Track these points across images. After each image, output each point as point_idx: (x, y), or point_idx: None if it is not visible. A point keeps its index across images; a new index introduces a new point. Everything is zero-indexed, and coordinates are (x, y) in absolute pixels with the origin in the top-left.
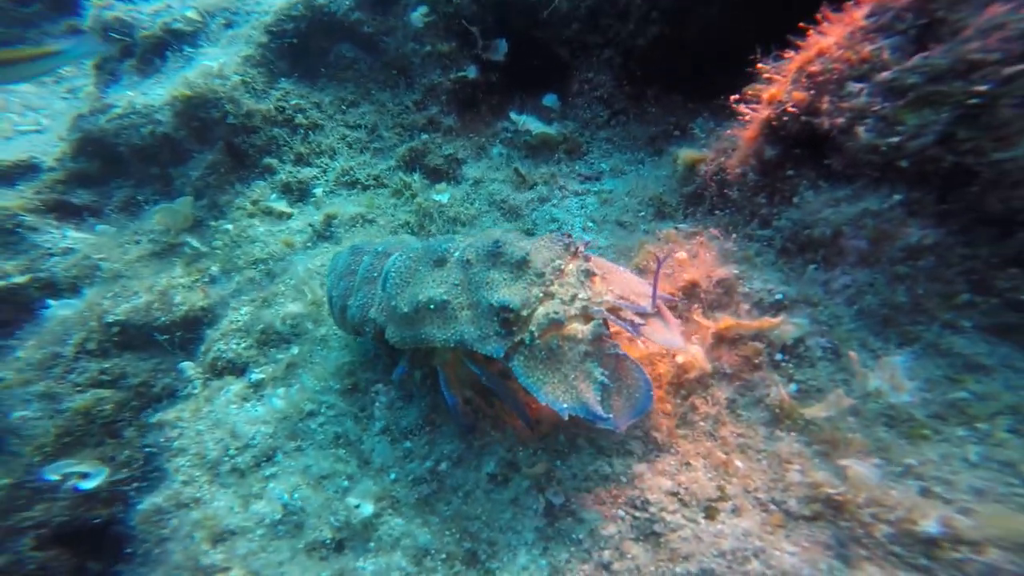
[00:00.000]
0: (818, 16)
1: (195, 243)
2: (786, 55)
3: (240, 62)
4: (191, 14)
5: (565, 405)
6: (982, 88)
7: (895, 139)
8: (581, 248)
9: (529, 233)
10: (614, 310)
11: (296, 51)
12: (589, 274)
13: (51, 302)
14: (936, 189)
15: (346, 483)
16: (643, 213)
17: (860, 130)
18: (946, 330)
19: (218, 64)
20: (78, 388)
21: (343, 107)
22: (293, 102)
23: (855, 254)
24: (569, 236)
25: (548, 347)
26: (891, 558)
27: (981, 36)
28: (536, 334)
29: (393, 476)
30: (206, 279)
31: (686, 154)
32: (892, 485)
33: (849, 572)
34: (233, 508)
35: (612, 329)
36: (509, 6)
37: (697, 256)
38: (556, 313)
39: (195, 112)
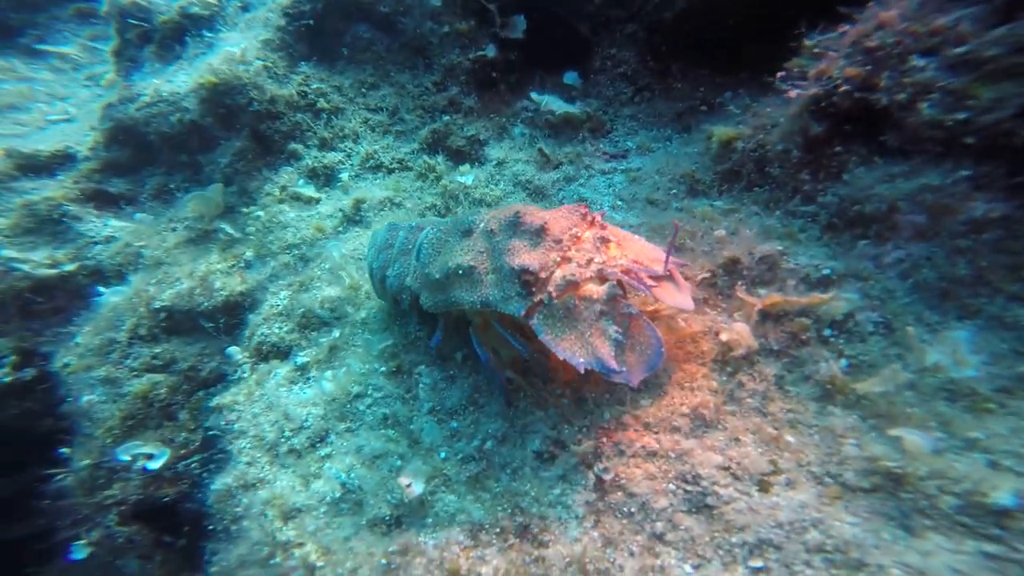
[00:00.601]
0: None
1: (229, 229)
2: (838, 28)
3: (260, 46)
4: None
5: (581, 360)
6: None
7: (964, 114)
8: (597, 217)
9: None
10: (627, 272)
11: (313, 33)
12: (604, 240)
13: (102, 289)
14: (1007, 163)
15: (399, 462)
16: (674, 191)
17: (923, 106)
18: (1012, 302)
19: (240, 50)
20: (134, 373)
21: (363, 90)
22: (314, 86)
23: (911, 228)
24: (586, 206)
25: (565, 306)
26: (958, 528)
27: None
28: (554, 294)
29: (443, 455)
30: (241, 264)
31: (722, 131)
32: (956, 458)
33: (913, 541)
34: (295, 487)
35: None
36: None
37: (737, 233)
38: (572, 275)
39: (221, 99)
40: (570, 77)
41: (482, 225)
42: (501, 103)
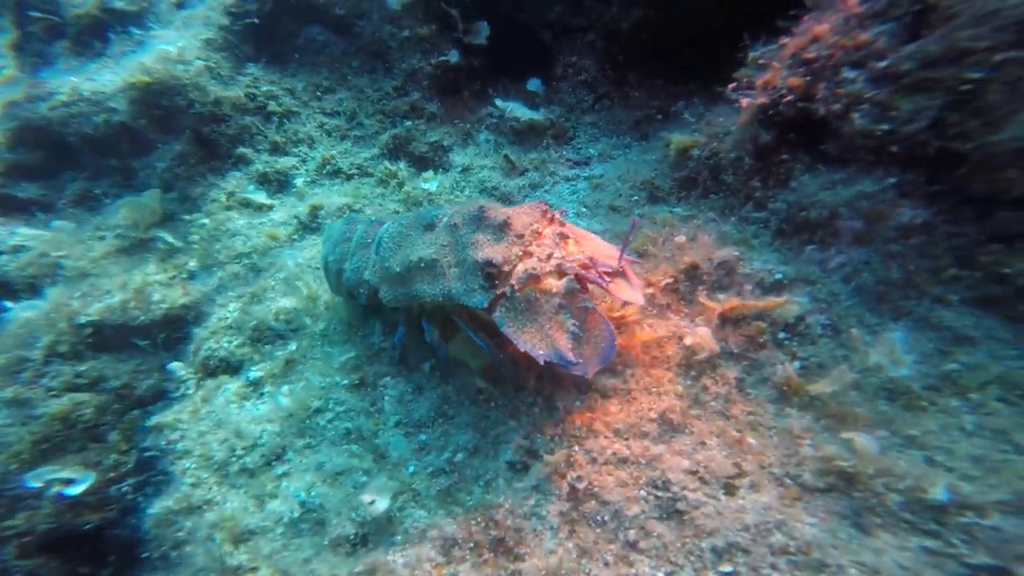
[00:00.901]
0: (806, 1)
1: (169, 238)
2: (780, 41)
3: (201, 46)
4: None
5: (541, 352)
6: (973, 75)
7: (889, 125)
8: (557, 215)
9: None
10: (585, 267)
11: (261, 34)
12: (563, 237)
13: (8, 304)
14: (925, 172)
15: (364, 478)
16: (636, 197)
17: (855, 116)
18: (936, 304)
19: (177, 48)
20: (52, 393)
21: (318, 93)
22: (264, 88)
23: (850, 234)
24: (546, 204)
25: (527, 299)
26: (902, 525)
27: (974, 23)
28: (516, 287)
29: (412, 469)
30: (184, 275)
31: (679, 139)
32: (899, 455)
33: (866, 539)
34: (248, 508)
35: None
36: None
37: (696, 239)
38: (534, 269)
39: (156, 100)
40: (533, 84)
41: (445, 219)
42: (465, 109)
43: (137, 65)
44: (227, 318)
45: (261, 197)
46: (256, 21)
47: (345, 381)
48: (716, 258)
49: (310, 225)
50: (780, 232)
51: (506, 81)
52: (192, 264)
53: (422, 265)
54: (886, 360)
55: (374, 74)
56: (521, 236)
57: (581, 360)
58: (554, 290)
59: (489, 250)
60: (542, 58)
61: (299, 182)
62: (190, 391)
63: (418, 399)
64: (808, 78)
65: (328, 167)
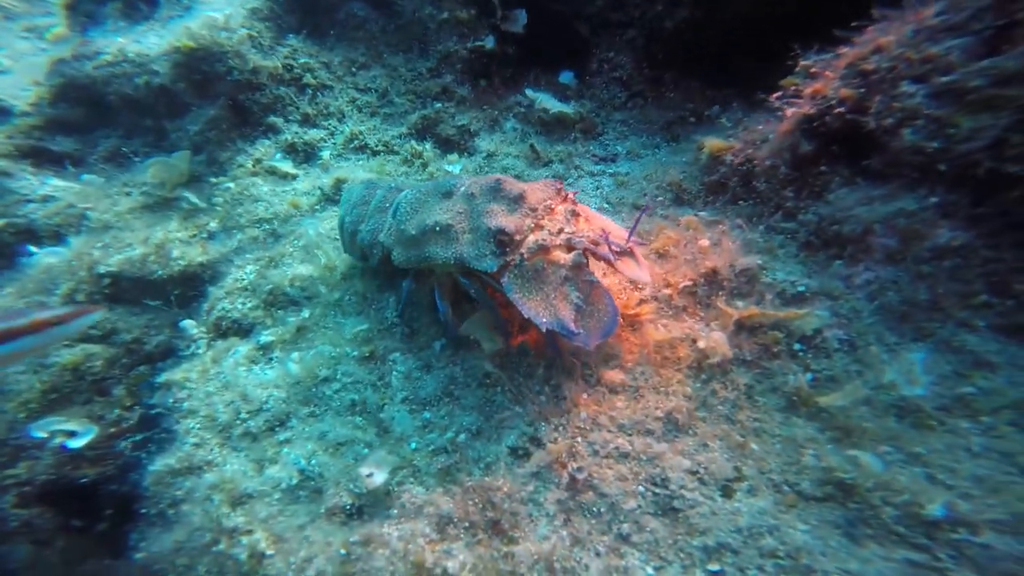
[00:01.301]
0: (874, 12)
1: (193, 198)
2: (836, 50)
3: (247, 15)
4: None
5: (544, 320)
6: None
7: (942, 142)
8: (570, 194)
9: None
10: (593, 243)
11: (305, 6)
12: (575, 214)
13: (32, 248)
14: (971, 193)
15: (365, 451)
16: (661, 198)
17: (906, 131)
18: (961, 328)
19: (223, 16)
20: (65, 343)
21: (353, 69)
22: (301, 60)
23: (882, 251)
24: (560, 182)
25: (535, 268)
26: (892, 537)
27: None
28: (526, 256)
29: (413, 446)
30: (204, 235)
31: (712, 143)
32: (900, 471)
33: (855, 549)
34: (247, 472)
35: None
36: None
37: (720, 244)
38: (543, 241)
39: (197, 65)
40: (566, 76)
41: (463, 188)
42: (494, 96)
43: (184, 30)
44: (243, 280)
45: (287, 166)
46: None
47: (355, 353)
48: (738, 265)
49: (333, 197)
50: (808, 244)
51: (538, 71)
52: (213, 225)
53: (437, 229)
54: (901, 379)
55: (409, 53)
56: (535, 209)
57: (582, 331)
58: (561, 262)
59: (503, 219)
60: (577, 51)
61: (325, 155)
62: (200, 350)
63: (425, 377)
64: (862, 90)
65: (355, 142)
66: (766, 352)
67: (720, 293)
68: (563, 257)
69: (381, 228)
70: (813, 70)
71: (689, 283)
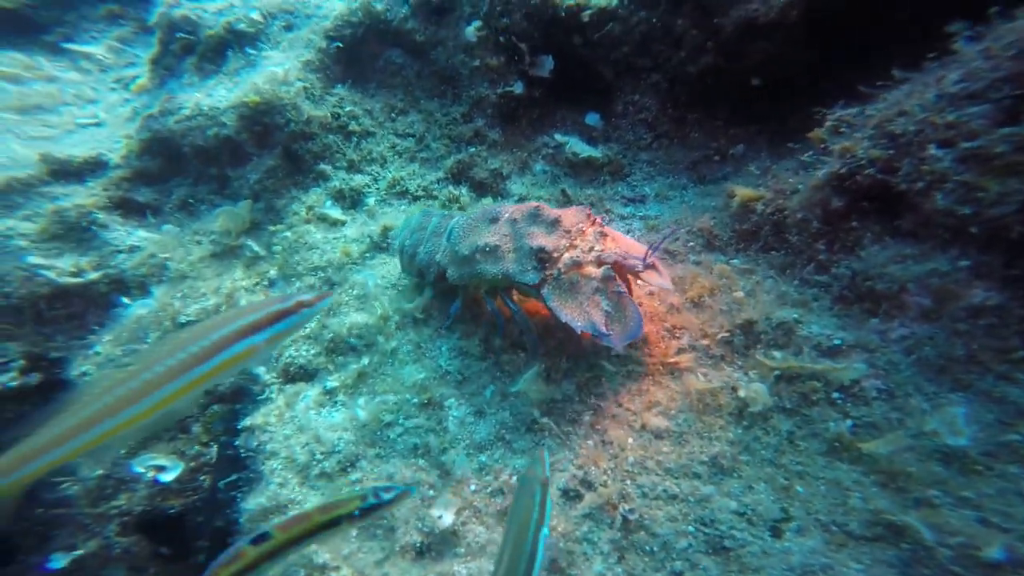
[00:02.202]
0: (895, 74)
1: (255, 247)
2: (864, 108)
3: (301, 67)
4: (255, 15)
5: (579, 323)
6: None
7: (972, 207)
8: (598, 219)
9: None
10: (620, 258)
11: (348, 55)
12: (603, 235)
13: (126, 300)
14: (1004, 254)
15: (430, 492)
16: (692, 243)
17: (937, 195)
18: (1000, 380)
19: (283, 70)
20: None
21: (392, 115)
22: (347, 109)
23: (917, 309)
24: (590, 208)
25: (570, 281)
26: None
27: None
28: (563, 271)
29: (473, 488)
30: (265, 283)
31: (743, 192)
32: (951, 514)
33: None
34: None
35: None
36: (558, 24)
37: (755, 295)
38: (577, 258)
39: (260, 117)
40: (592, 119)
41: (507, 215)
42: (522, 137)
43: (251, 85)
44: (305, 328)
45: (336, 213)
46: (348, 45)
47: (415, 400)
48: (775, 318)
49: (380, 244)
50: (841, 298)
51: (564, 111)
52: (273, 273)
53: (487, 249)
54: (944, 428)
55: (443, 99)
56: (569, 231)
57: (612, 333)
58: (593, 275)
59: (542, 239)
60: (602, 92)
61: (371, 201)
62: (273, 395)
63: (479, 422)
64: (891, 151)
65: (397, 187)
66: (805, 400)
67: (757, 345)
68: (594, 271)
69: (437, 250)
70: (841, 129)
71: (726, 334)
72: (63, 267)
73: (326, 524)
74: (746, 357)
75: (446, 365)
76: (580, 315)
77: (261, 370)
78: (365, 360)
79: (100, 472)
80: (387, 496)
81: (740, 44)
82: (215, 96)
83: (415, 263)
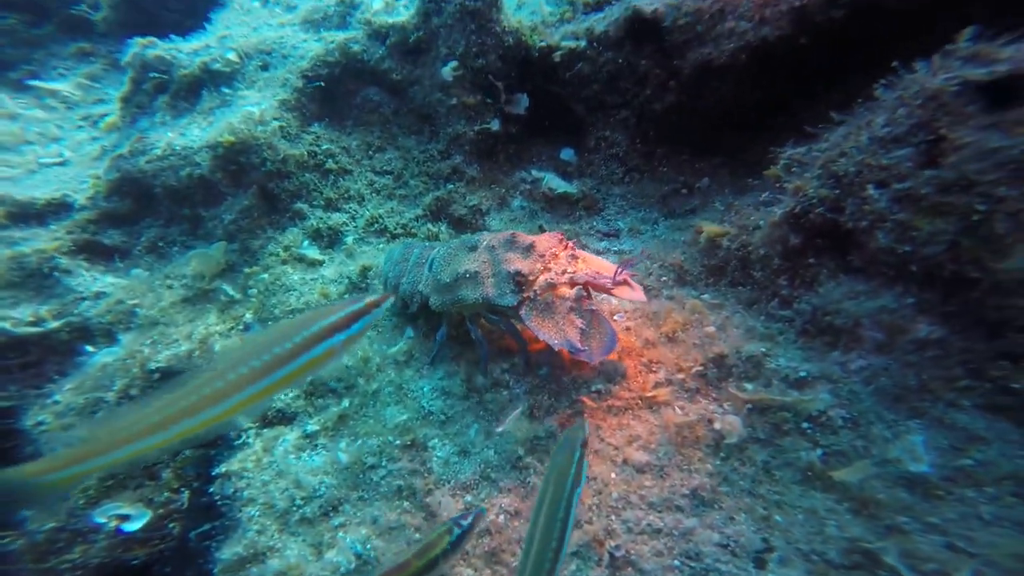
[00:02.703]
0: (833, 117)
1: (229, 290)
2: (811, 146)
3: (277, 106)
4: (232, 56)
5: (556, 340)
6: (980, 206)
7: (909, 246)
8: (570, 243)
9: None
10: (592, 279)
11: (325, 94)
12: (574, 258)
13: (89, 348)
14: (941, 291)
15: (417, 535)
16: (665, 278)
17: (879, 234)
18: (950, 408)
19: (259, 110)
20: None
21: (370, 152)
22: (324, 147)
23: (872, 343)
24: (562, 234)
25: (546, 301)
26: None
27: (978, 158)
28: (539, 293)
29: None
30: (240, 327)
31: (710, 228)
32: (921, 539)
33: None
34: (307, 557)
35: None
36: (532, 64)
37: (725, 330)
38: (552, 280)
39: (235, 157)
40: (567, 154)
41: (485, 243)
42: (500, 172)
43: (226, 125)
44: None
45: (314, 252)
46: (324, 84)
47: (398, 442)
48: (744, 351)
49: (359, 285)
50: (804, 332)
51: (539, 146)
52: (249, 316)
53: (467, 276)
54: (906, 456)
55: (420, 135)
56: (543, 255)
57: (587, 349)
58: (567, 296)
59: (518, 263)
60: (575, 127)
61: (349, 240)
62: (250, 439)
63: (463, 462)
64: (837, 191)
65: (375, 225)
66: (777, 431)
67: (729, 378)
68: (568, 291)
69: (420, 280)
70: (793, 168)
71: (700, 367)
72: (19, 317)
73: (426, 567)
74: (720, 390)
75: (428, 405)
76: (557, 333)
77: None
78: (346, 402)
79: (52, 524)
80: (467, 522)
81: (698, 84)
82: (189, 135)
83: (399, 294)
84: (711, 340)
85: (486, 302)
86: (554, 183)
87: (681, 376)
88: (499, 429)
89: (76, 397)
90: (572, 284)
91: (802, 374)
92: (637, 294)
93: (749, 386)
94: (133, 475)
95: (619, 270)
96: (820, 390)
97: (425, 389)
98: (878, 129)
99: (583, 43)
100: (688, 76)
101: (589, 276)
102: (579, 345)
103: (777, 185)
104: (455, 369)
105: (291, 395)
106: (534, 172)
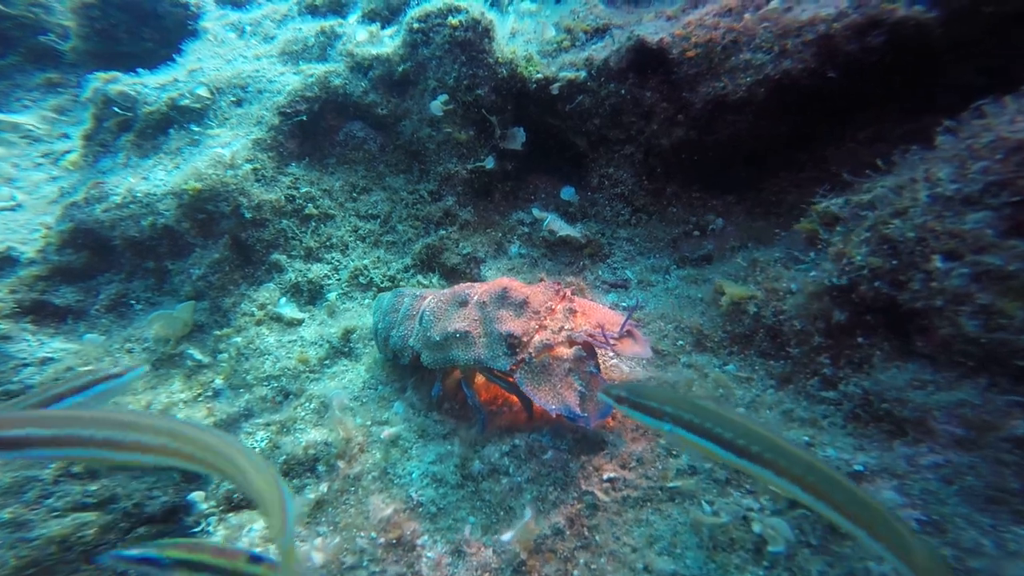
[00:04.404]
0: (879, 164)
1: (197, 355)
2: (849, 197)
3: (250, 146)
4: (202, 92)
5: (554, 406)
6: None
7: (999, 334)
8: (567, 293)
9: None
10: (591, 337)
11: (305, 129)
12: (572, 312)
13: None
14: None
15: None
16: (681, 342)
17: (963, 320)
18: None
19: (230, 153)
20: (55, 514)
21: (354, 194)
22: (303, 190)
23: (948, 437)
24: (559, 283)
25: (542, 364)
26: None
27: None
28: (534, 355)
29: None
30: (209, 393)
31: (733, 290)
32: None
33: None
34: None
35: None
36: (529, 97)
37: (756, 410)
38: (548, 340)
39: (203, 205)
40: (567, 193)
41: (475, 298)
42: (496, 213)
43: (192, 170)
44: (255, 448)
45: (292, 311)
46: (304, 119)
47: (382, 540)
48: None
49: (342, 349)
50: (855, 417)
51: (538, 182)
52: (218, 382)
53: (457, 336)
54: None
55: (409, 174)
56: (537, 312)
57: (586, 415)
58: (565, 356)
59: (511, 324)
60: (576, 163)
61: (331, 296)
62: (212, 527)
63: (457, 565)
64: (893, 262)
65: (361, 278)
66: (835, 534)
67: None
68: (566, 352)
69: (410, 334)
70: (827, 220)
71: (633, 324)
72: None
73: None
74: (754, 481)
75: (417, 495)
76: (554, 398)
77: (196, 496)
78: (324, 487)
79: None
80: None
81: (711, 119)
82: (152, 180)
83: (389, 346)
84: None
85: (478, 364)
86: (555, 225)
87: (709, 464)
88: (505, 538)
89: (3, 475)
90: (570, 343)
91: (858, 467)
92: (641, 348)
93: None
94: (66, 560)
95: (624, 323)
96: (882, 487)
97: (414, 475)
98: (944, 186)
99: (583, 74)
100: (699, 111)
101: (588, 333)
102: (577, 411)
103: (810, 241)
104: (448, 450)
105: None
106: (535, 212)
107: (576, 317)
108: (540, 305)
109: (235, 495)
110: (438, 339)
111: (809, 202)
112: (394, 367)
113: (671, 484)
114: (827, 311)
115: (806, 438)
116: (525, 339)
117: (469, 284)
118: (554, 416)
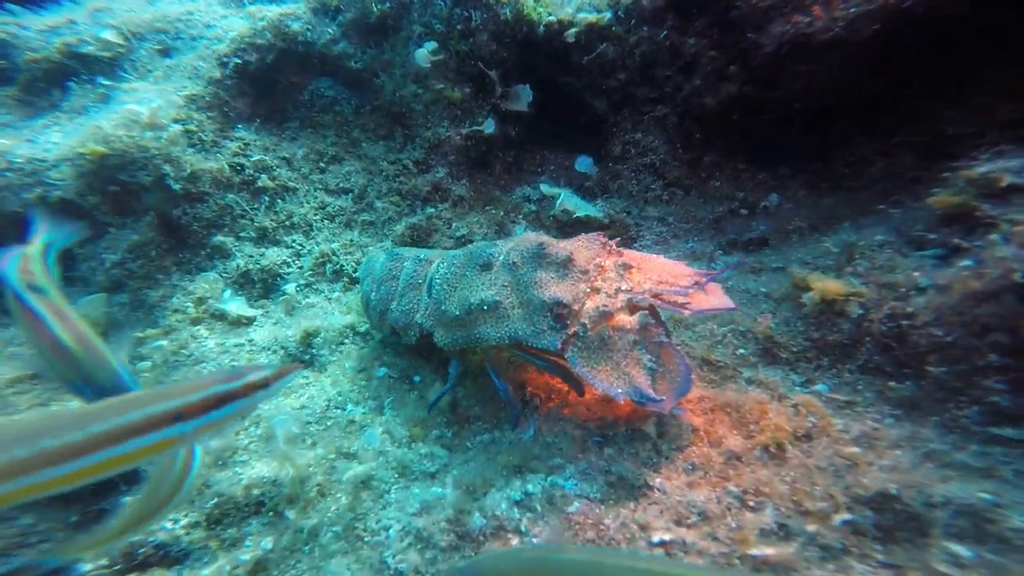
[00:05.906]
0: None
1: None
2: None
3: (182, 104)
4: (110, 35)
5: (620, 390)
6: None
7: None
8: (613, 245)
9: None
10: (656, 296)
11: (259, 87)
12: (627, 267)
13: None
14: None
15: None
16: (743, 351)
17: None
18: None
19: (149, 110)
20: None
21: (321, 164)
22: (255, 158)
23: None
24: (603, 235)
25: (600, 338)
26: None
27: None
28: (588, 326)
29: None
30: None
31: (823, 284)
32: None
33: None
34: None
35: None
36: (537, 47)
37: (874, 449)
38: (605, 306)
39: (112, 175)
40: (583, 164)
41: (502, 258)
42: (496, 187)
43: (92, 130)
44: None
45: (240, 307)
46: (253, 70)
47: None
48: (938, 494)
49: (301, 357)
50: None
51: (547, 152)
52: None
53: (484, 308)
54: None
55: (391, 140)
56: (586, 272)
57: (661, 397)
58: (628, 326)
59: (556, 288)
60: (594, 129)
61: (290, 287)
62: None
63: None
64: None
65: (328, 265)
66: None
67: (925, 537)
68: (628, 320)
69: (417, 307)
70: (994, 193)
71: (846, 513)
72: None
73: None
74: (891, 553)
75: (396, 563)
76: (619, 379)
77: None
78: (268, 543)
79: None
80: None
81: (777, 69)
82: (41, 142)
83: (387, 321)
84: (858, 468)
85: (515, 342)
86: (571, 203)
87: (810, 525)
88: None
89: None
90: (632, 308)
91: None
92: (719, 300)
93: (964, 551)
94: None
95: (699, 278)
96: None
97: (391, 533)
98: None
99: (607, 15)
100: (767, 57)
101: (653, 293)
102: (650, 393)
103: (949, 220)
104: (439, 495)
105: (183, 521)
106: (544, 188)
107: (632, 273)
108: (587, 262)
109: (140, 550)
110: (458, 313)
111: (942, 169)
112: (386, 363)
113: (754, 551)
114: (1003, 317)
115: (985, 496)
116: (576, 307)
117: (488, 242)
118: (621, 402)
